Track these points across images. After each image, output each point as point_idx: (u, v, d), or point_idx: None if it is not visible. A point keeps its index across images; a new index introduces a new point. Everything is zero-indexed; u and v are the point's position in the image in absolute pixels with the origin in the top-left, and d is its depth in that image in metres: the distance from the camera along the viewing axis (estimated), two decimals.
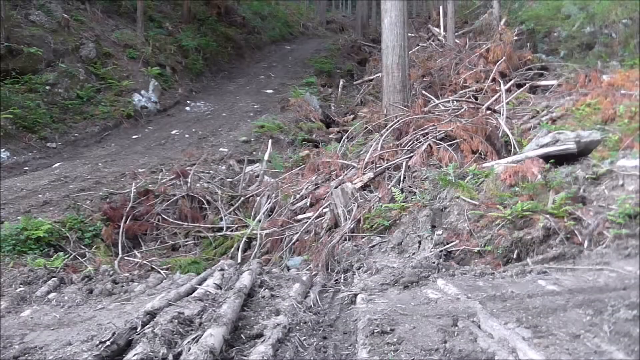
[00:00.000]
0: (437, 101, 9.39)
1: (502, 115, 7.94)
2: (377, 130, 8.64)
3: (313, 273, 5.01)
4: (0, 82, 10.20)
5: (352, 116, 12.39)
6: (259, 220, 6.95)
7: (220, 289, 3.87)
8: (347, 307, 3.79)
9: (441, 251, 4.61)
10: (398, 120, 8.06)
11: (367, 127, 9.40)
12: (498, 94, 9.34)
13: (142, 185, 7.74)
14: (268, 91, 15.00)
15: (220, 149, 9.93)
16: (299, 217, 6.76)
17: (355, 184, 6.36)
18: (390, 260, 4.68)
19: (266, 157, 8.98)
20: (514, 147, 6.82)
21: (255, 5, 23.11)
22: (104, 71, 12.54)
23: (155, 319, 3.03)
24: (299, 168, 8.50)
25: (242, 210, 7.58)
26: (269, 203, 7.30)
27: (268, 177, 8.34)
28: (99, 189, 7.58)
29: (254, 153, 9.90)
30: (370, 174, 6.57)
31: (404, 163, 6.57)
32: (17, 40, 10.92)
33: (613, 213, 4.23)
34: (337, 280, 4.70)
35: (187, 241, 7.01)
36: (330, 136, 11.07)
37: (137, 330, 2.91)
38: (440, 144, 6.71)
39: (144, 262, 6.12)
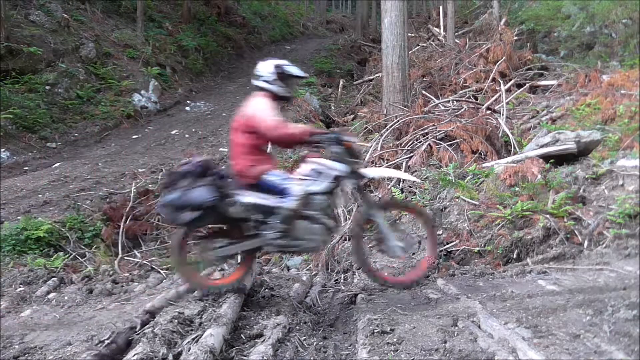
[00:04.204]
0: (437, 101, 9.38)
1: (502, 115, 7.94)
2: (377, 130, 8.64)
3: (313, 273, 5.01)
4: (0, 82, 10.20)
5: (352, 116, 12.39)
6: None
7: None
8: (347, 307, 3.79)
9: (441, 251, 4.62)
10: (398, 120, 8.05)
11: (367, 127, 9.40)
12: (498, 94, 9.34)
13: (142, 185, 7.72)
14: None
15: (220, 149, 9.92)
16: None
17: None
18: (390, 260, 4.69)
19: None
20: (514, 147, 6.82)
21: (255, 5, 23.13)
22: (104, 71, 12.53)
23: (155, 319, 3.03)
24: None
25: None
26: None
27: None
28: (99, 189, 7.57)
29: None
30: None
31: (404, 163, 6.57)
32: (17, 40, 10.91)
33: (613, 213, 4.23)
34: (337, 280, 4.70)
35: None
36: None
37: (137, 330, 2.91)
38: (440, 144, 6.71)
39: (144, 262, 6.10)
